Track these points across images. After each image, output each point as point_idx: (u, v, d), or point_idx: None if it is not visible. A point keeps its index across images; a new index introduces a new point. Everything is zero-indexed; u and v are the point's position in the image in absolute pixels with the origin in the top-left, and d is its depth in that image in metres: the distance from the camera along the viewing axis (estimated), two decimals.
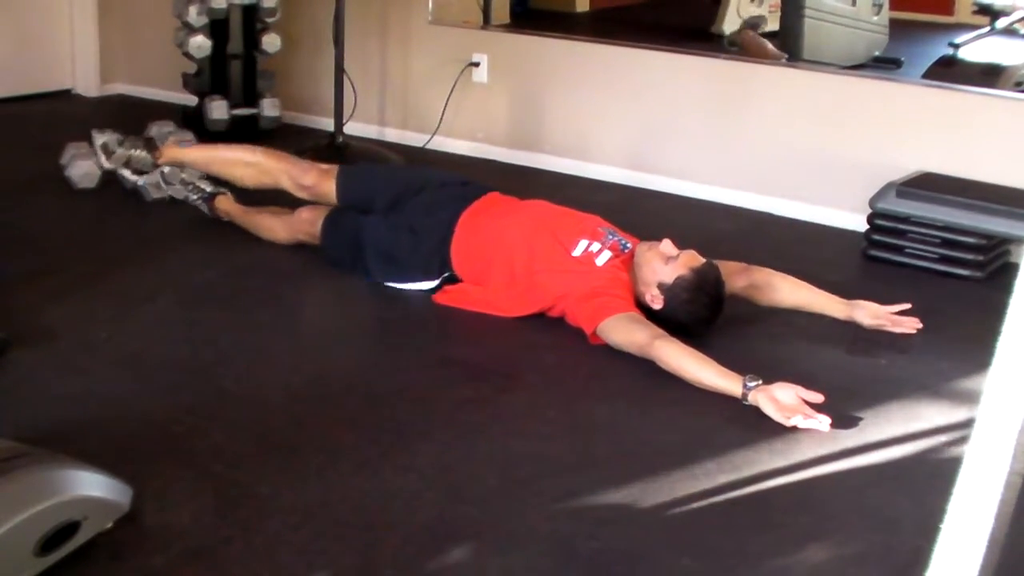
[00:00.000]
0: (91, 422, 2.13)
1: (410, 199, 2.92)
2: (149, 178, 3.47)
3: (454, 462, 2.06)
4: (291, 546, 1.75)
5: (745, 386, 2.28)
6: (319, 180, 3.00)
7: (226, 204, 3.28)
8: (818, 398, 2.23)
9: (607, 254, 2.69)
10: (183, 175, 3.38)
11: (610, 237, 2.76)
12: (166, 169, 3.37)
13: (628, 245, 2.76)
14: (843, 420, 2.26)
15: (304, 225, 3.06)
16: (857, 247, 3.44)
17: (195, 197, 3.32)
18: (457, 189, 2.97)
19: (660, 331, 2.48)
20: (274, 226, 3.16)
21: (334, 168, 3.04)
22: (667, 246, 2.65)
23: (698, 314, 2.61)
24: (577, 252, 2.68)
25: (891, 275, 3.29)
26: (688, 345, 2.43)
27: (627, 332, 2.50)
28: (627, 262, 2.71)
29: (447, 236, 2.81)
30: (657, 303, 2.61)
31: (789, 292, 2.84)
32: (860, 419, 2.29)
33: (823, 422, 2.21)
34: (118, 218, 3.21)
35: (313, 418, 2.22)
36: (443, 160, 4.42)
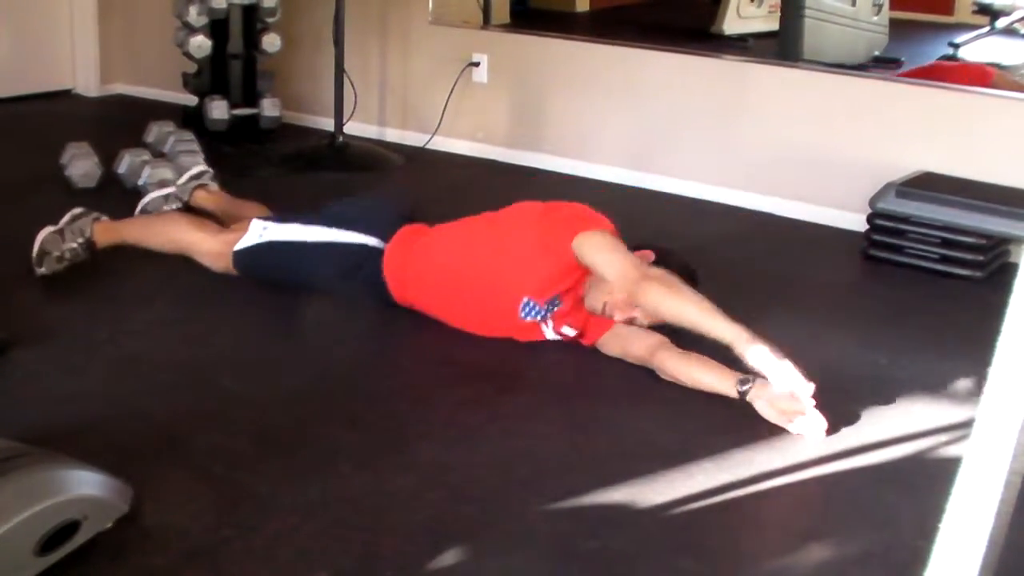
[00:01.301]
0: (91, 422, 2.12)
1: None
2: (150, 178, 3.48)
3: (454, 462, 2.06)
4: (291, 546, 1.75)
5: (739, 391, 2.27)
6: (223, 269, 2.85)
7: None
8: (809, 387, 2.16)
9: (550, 324, 2.56)
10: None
11: (535, 316, 2.55)
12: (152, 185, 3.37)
13: (556, 304, 2.55)
14: (842, 420, 2.25)
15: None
16: (857, 247, 3.44)
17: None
18: (363, 260, 2.70)
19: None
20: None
21: (229, 256, 2.81)
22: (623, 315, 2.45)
23: None
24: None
25: (891, 275, 3.29)
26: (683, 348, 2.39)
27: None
28: (573, 309, 2.54)
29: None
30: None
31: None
32: (860, 419, 2.29)
33: (820, 425, 2.19)
34: (118, 218, 3.21)
35: (313, 418, 2.22)
36: (443, 160, 4.42)
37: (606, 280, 2.42)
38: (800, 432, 2.19)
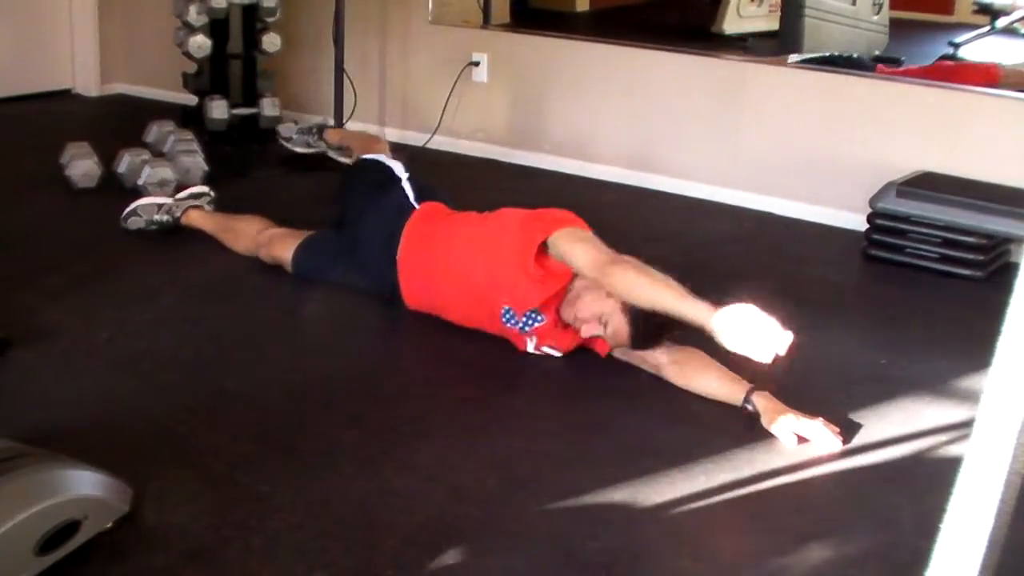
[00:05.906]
0: (91, 422, 2.13)
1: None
2: (150, 178, 3.48)
3: (454, 462, 2.06)
4: (291, 546, 1.75)
5: (746, 410, 2.26)
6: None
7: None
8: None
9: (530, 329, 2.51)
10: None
11: (515, 325, 2.52)
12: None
13: (536, 319, 2.49)
14: (842, 419, 2.25)
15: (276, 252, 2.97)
16: (857, 247, 3.44)
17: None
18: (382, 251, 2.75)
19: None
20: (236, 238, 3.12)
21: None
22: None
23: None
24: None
25: (891, 275, 3.29)
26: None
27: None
28: (557, 329, 2.50)
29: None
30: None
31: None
32: (860, 419, 2.29)
33: (833, 441, 2.16)
34: (118, 218, 3.21)
35: (313, 418, 2.22)
36: (443, 159, 4.42)
37: (579, 271, 2.40)
38: (817, 445, 2.17)
